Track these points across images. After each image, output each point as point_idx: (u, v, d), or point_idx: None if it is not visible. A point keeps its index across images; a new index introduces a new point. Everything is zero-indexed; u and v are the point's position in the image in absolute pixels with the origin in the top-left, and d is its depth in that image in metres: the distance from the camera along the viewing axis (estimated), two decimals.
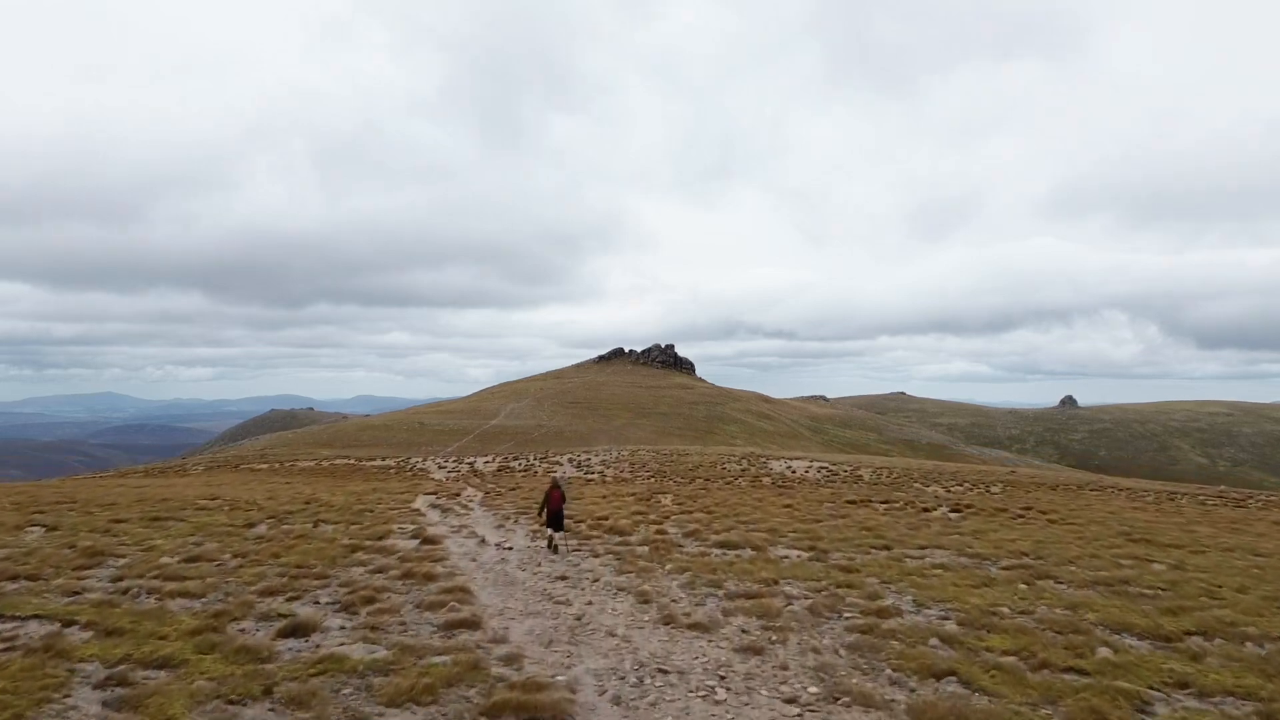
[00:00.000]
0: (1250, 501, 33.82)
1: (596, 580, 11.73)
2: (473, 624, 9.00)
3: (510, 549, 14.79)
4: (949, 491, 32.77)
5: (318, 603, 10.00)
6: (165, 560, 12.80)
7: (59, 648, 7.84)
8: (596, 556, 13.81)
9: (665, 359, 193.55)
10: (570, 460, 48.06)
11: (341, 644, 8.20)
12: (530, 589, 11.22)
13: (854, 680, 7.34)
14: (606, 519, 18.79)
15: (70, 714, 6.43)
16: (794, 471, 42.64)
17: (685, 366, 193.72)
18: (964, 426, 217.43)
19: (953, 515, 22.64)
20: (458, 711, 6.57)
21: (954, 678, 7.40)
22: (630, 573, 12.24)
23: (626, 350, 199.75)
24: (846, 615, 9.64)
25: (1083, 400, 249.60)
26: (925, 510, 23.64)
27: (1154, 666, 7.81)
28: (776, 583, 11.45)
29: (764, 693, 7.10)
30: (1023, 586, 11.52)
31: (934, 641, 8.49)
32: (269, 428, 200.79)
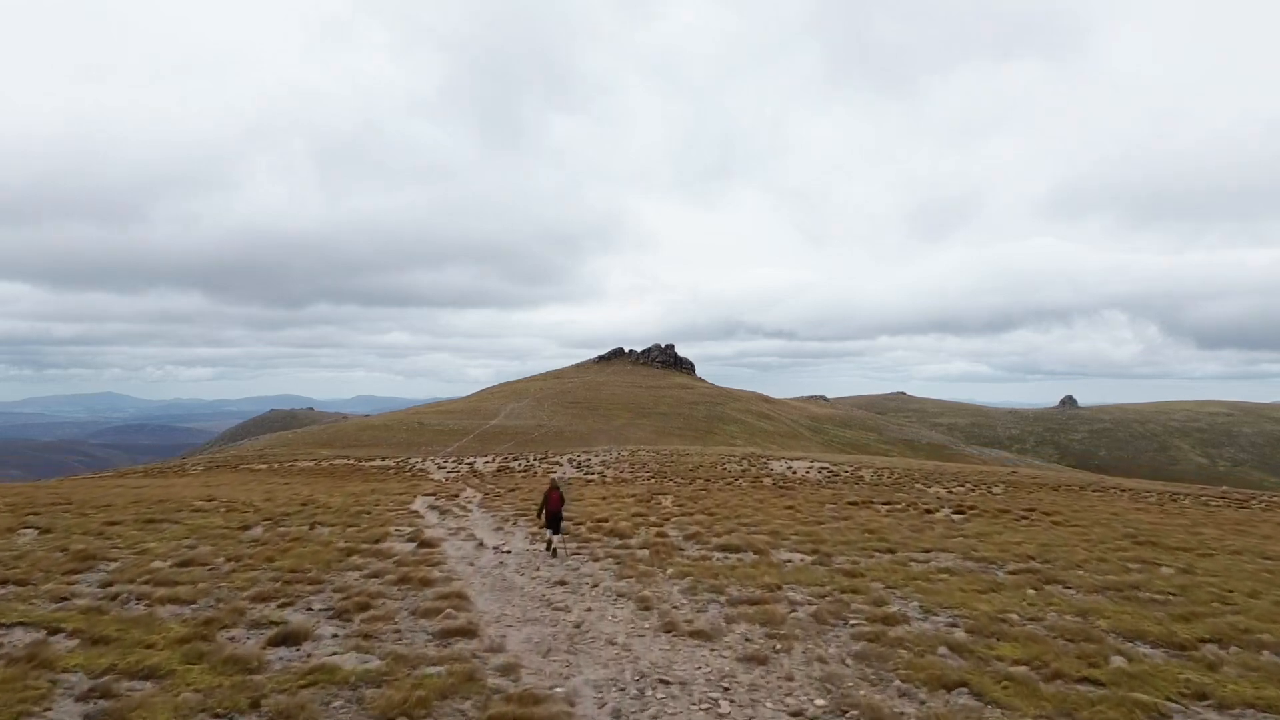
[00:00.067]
0: (1253, 502, 33.59)
1: (596, 585, 11.50)
2: (469, 632, 8.77)
3: (509, 552, 14.56)
4: (951, 493, 32.53)
5: (310, 609, 9.77)
6: (157, 564, 12.57)
7: (43, 657, 7.61)
8: (596, 560, 13.58)
9: (665, 359, 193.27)
10: (570, 460, 47.82)
11: (333, 653, 7.97)
12: (528, 594, 10.99)
13: (862, 692, 7.11)
14: (606, 521, 18.55)
15: None
16: (795, 472, 42.40)
17: (685, 366, 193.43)
18: (964, 426, 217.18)
19: (956, 517, 22.41)
20: None
21: (965, 689, 7.17)
22: (630, 577, 12.00)
23: (626, 350, 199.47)
24: (852, 622, 9.41)
25: (1083, 400, 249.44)
26: (928, 512, 23.41)
27: (1170, 676, 7.58)
28: (780, 588, 11.21)
29: (769, 705, 6.87)
30: (1031, 592, 11.30)
31: (943, 650, 8.26)
32: (269, 428, 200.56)
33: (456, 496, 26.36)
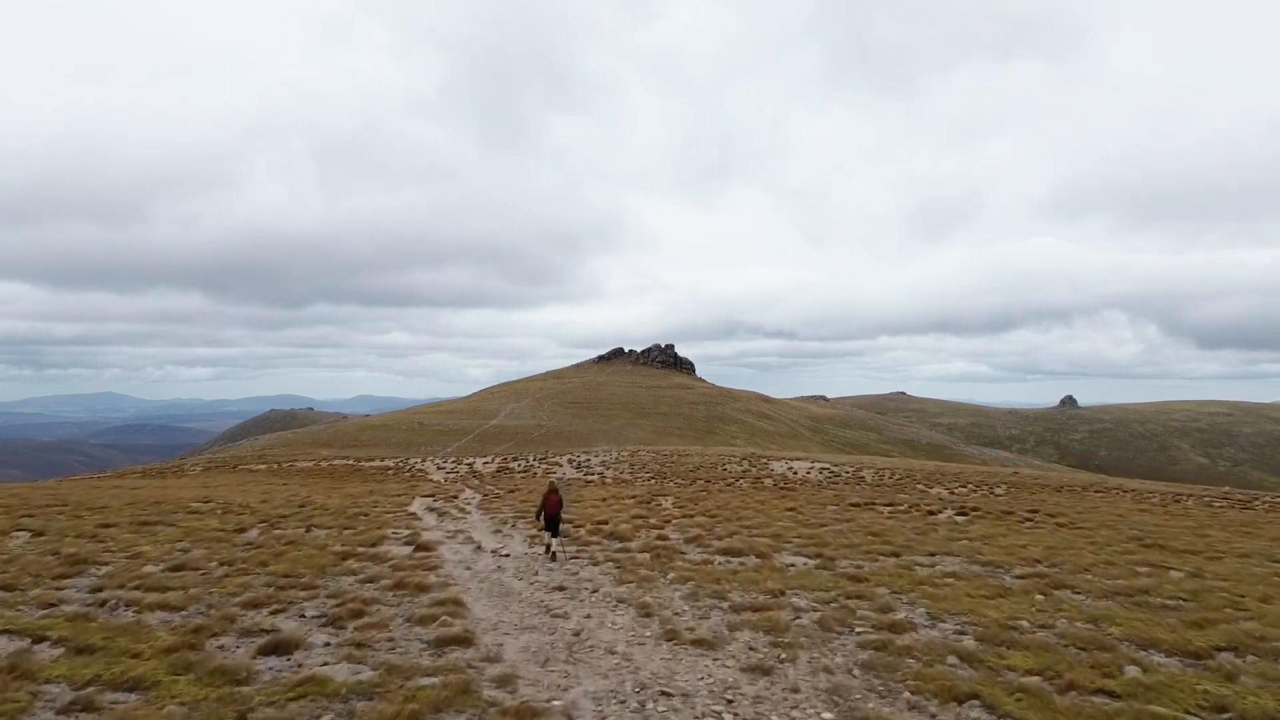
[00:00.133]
0: (1257, 504, 33.36)
1: (595, 591, 11.25)
2: (465, 640, 8.52)
3: (507, 555, 14.32)
4: (953, 493, 32.31)
5: (303, 616, 9.53)
6: (149, 569, 12.34)
7: (25, 667, 7.37)
8: (596, 564, 13.34)
9: (665, 359, 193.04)
10: (570, 461, 47.59)
11: (325, 663, 7.73)
12: (526, 600, 10.74)
13: (870, 705, 6.87)
14: (606, 523, 18.32)
15: None
16: (795, 473, 42.17)
17: (685, 366, 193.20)
18: (964, 426, 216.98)
19: (959, 519, 22.19)
20: None
21: (977, 701, 6.93)
22: (631, 582, 11.76)
23: (626, 350, 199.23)
24: (858, 630, 9.17)
25: (1083, 400, 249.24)
26: (931, 513, 23.19)
27: (1187, 687, 7.35)
28: (783, 593, 10.97)
29: (774, 719, 6.64)
30: (1040, 597, 11.06)
31: (952, 660, 8.03)
32: (269, 428, 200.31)
33: (455, 498, 26.13)
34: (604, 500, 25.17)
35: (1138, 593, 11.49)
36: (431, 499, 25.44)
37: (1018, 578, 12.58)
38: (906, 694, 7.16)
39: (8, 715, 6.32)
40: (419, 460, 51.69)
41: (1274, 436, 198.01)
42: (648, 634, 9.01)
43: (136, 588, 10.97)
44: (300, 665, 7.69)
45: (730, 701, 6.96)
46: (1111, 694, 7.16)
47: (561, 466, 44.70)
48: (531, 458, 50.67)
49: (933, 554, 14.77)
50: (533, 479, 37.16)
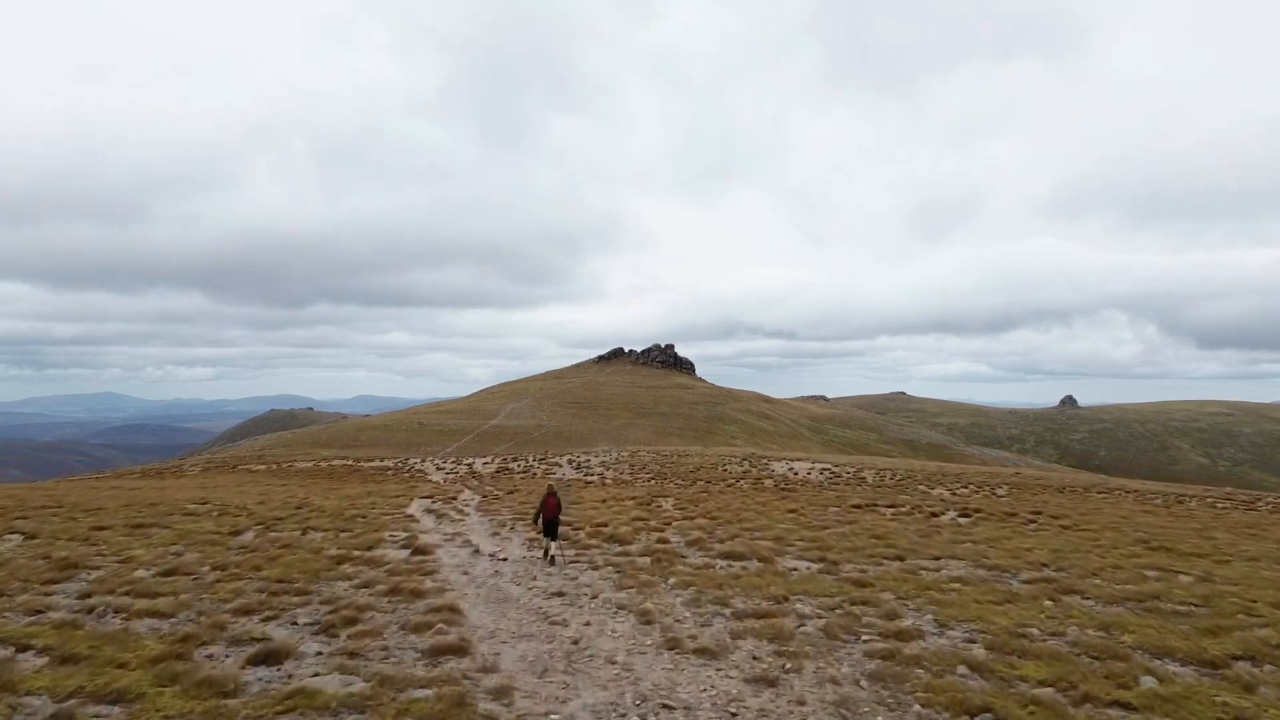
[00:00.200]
0: (1260, 504, 33.12)
1: (595, 597, 11.00)
2: (460, 649, 8.29)
3: (505, 559, 14.09)
4: (955, 494, 32.06)
5: (295, 623, 9.30)
6: (140, 574, 12.12)
7: (6, 678, 7.16)
8: (595, 569, 13.10)
9: (665, 359, 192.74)
10: (569, 461, 47.34)
11: (315, 674, 7.49)
12: (524, 607, 10.50)
13: (880, 718, 6.65)
14: (606, 526, 18.09)
15: None
16: (796, 473, 41.92)
17: (685, 366, 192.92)
18: (964, 426, 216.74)
19: (962, 520, 21.95)
20: None
21: (989, 715, 6.69)
22: (631, 588, 11.52)
23: (626, 350, 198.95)
24: (864, 638, 8.94)
25: (1083, 400, 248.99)
26: (933, 515, 22.95)
27: (1205, 699, 7.12)
28: (787, 599, 10.74)
29: None
30: (1048, 603, 10.83)
31: (962, 670, 7.79)
32: (268, 428, 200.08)
33: (454, 499, 25.89)
34: (604, 502, 24.93)
35: (1148, 598, 11.27)
36: (430, 500, 25.20)
37: (1025, 582, 12.35)
38: (917, 707, 6.93)
39: None
40: (418, 461, 51.45)
41: (1274, 436, 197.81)
42: (649, 642, 8.78)
43: (126, 593, 10.75)
44: (290, 676, 7.46)
45: (734, 715, 6.73)
46: (1128, 706, 6.94)
47: (561, 467, 44.46)
48: (531, 458, 50.43)
49: (937, 557, 14.54)
50: (532, 480, 36.92)
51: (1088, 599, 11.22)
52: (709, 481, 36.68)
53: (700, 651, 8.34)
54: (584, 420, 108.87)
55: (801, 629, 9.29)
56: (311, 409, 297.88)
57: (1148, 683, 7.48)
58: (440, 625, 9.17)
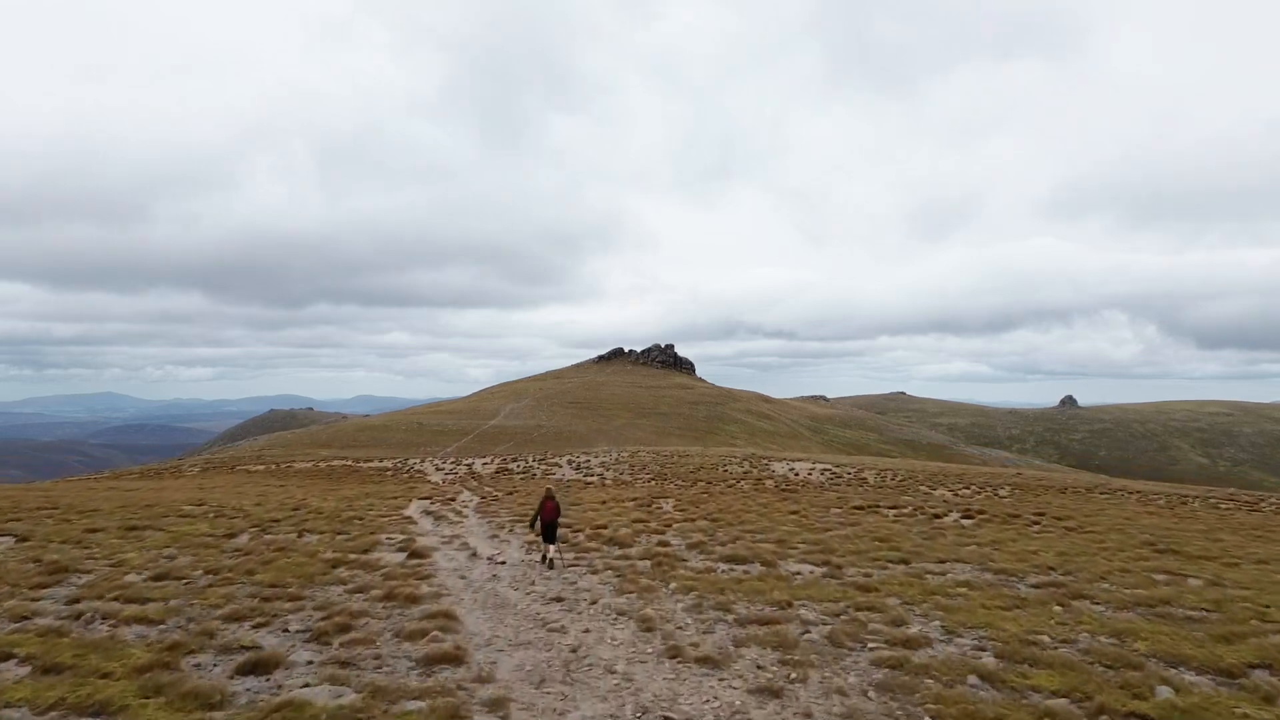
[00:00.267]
0: (1264, 505, 32.89)
1: (594, 603, 10.75)
2: (456, 658, 8.05)
3: (503, 563, 13.85)
4: (957, 495, 31.82)
5: (287, 630, 9.06)
6: (131, 578, 11.88)
7: None
8: (595, 573, 12.86)
9: (665, 359, 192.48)
10: (569, 462, 47.10)
11: (305, 684, 7.25)
12: (522, 613, 10.26)
13: None
14: (605, 528, 17.86)
15: None
16: (797, 474, 41.69)
17: (685, 366, 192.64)
18: (964, 426, 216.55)
19: (966, 522, 21.71)
20: None
21: None
22: (631, 593, 11.28)
23: (626, 350, 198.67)
24: (871, 645, 8.70)
25: (1083, 400, 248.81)
26: (936, 517, 22.72)
27: (1224, 710, 6.89)
28: (790, 605, 10.50)
29: None
30: (1058, 609, 10.59)
31: (973, 680, 7.56)
32: (268, 428, 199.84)
33: (452, 500, 25.65)
34: (603, 503, 24.68)
35: (1159, 603, 11.03)
36: (428, 502, 24.96)
37: (1033, 587, 12.11)
38: (927, 719, 6.70)
39: None
40: (418, 461, 51.20)
41: (1274, 436, 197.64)
42: (649, 650, 8.54)
43: (116, 599, 10.51)
44: (280, 687, 7.22)
45: None
46: (1144, 718, 6.71)
47: (561, 467, 44.22)
48: (531, 458, 50.19)
49: (942, 561, 14.30)
50: (532, 480, 36.68)
51: (1097, 604, 10.99)
52: (709, 482, 36.43)
53: (702, 660, 8.10)
54: (584, 420, 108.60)
55: (806, 636, 9.05)
56: (311, 409, 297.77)
57: (1164, 693, 7.25)
58: (435, 632, 8.93)
